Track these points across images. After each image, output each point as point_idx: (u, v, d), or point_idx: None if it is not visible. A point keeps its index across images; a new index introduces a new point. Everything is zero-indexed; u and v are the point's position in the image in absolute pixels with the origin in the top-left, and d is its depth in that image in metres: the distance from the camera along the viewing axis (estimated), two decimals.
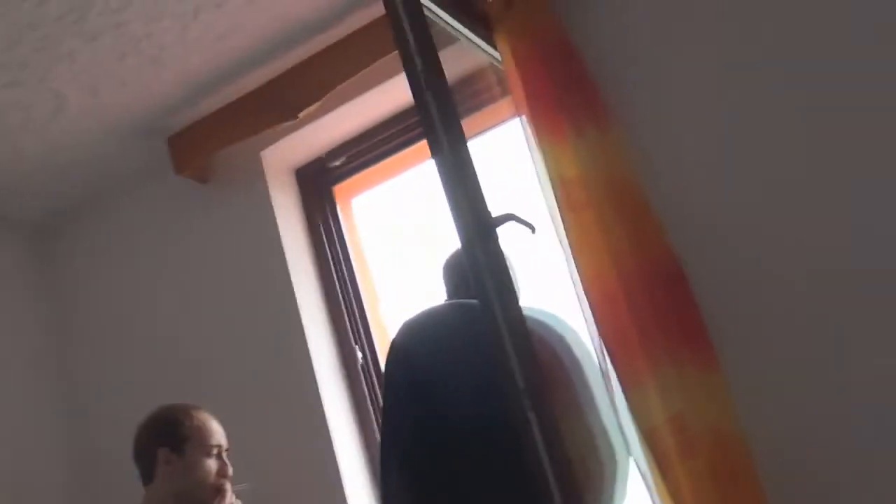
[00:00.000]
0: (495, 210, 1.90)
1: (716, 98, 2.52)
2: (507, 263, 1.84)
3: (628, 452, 2.23)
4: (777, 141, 2.43)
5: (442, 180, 1.88)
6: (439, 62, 1.95)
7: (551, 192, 2.39)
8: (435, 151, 1.89)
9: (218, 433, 2.64)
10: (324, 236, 3.33)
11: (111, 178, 3.50)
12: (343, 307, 3.24)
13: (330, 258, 3.30)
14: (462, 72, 2.80)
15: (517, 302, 1.82)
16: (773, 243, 2.40)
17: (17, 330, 3.48)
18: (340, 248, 3.33)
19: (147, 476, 2.60)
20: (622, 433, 2.24)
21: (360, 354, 3.16)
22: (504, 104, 2.66)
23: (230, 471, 2.61)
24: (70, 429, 3.47)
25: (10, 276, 3.56)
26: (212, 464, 2.58)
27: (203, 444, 2.59)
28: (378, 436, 2.96)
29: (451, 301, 2.35)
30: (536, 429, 1.67)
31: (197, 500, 2.57)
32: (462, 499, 1.96)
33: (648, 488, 2.19)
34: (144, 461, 2.60)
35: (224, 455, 2.63)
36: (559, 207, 2.36)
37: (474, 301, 2.18)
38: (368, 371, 3.16)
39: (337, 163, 3.35)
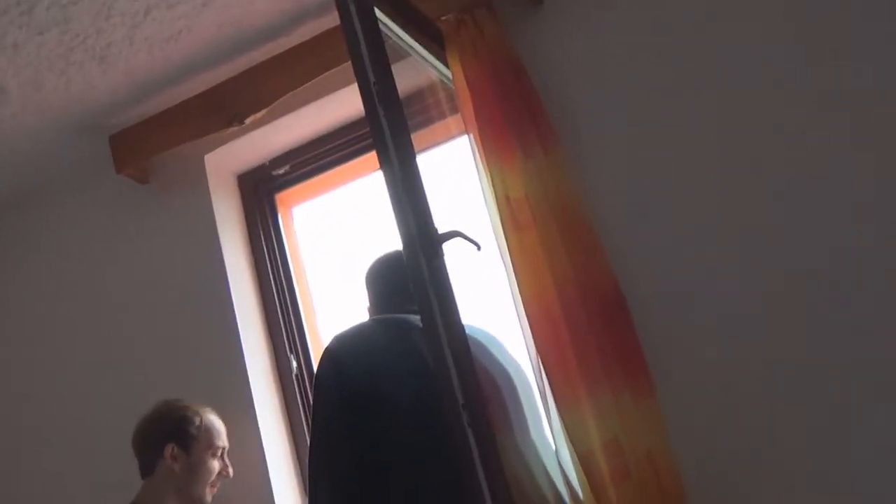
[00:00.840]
0: (441, 226, 1.92)
1: (657, 121, 2.57)
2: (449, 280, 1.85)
3: (561, 475, 2.24)
4: (720, 167, 2.48)
5: (389, 193, 1.89)
6: (392, 76, 1.97)
7: (496, 210, 2.40)
8: (384, 164, 1.90)
9: (223, 435, 2.76)
10: (264, 244, 3.31)
11: (51, 172, 3.45)
12: (280, 315, 3.21)
13: (269, 266, 3.28)
14: (412, 87, 2.81)
15: (459, 317, 1.82)
16: (710, 271, 2.44)
17: None
18: (280, 256, 3.31)
19: (147, 468, 2.69)
20: (556, 455, 2.25)
21: (294, 363, 3.15)
22: (452, 121, 2.67)
23: (231, 472, 2.74)
24: None
25: None
26: (215, 464, 2.71)
27: (210, 444, 2.71)
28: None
29: (376, 317, 2.35)
30: (474, 444, 1.68)
31: (196, 496, 2.68)
32: None
33: None
34: (148, 454, 2.69)
35: (225, 456, 2.75)
36: (503, 226, 2.37)
37: (398, 316, 2.20)
38: (302, 380, 3.14)
39: (281, 171, 3.33)
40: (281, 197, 3.40)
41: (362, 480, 1.97)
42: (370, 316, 2.43)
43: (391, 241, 2.45)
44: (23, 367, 3.42)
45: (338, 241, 3.40)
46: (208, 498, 2.69)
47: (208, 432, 2.72)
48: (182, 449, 2.66)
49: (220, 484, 2.73)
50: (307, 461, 2.11)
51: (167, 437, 2.67)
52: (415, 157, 1.92)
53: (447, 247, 1.88)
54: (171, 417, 2.70)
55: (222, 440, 2.75)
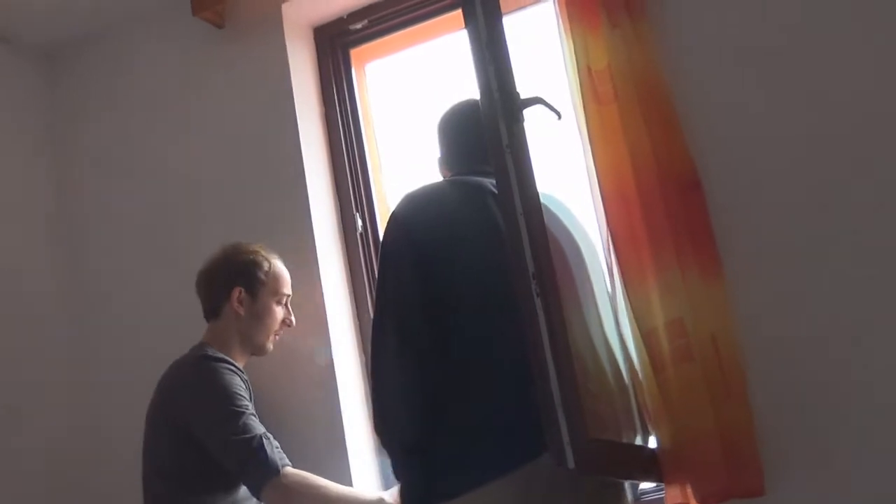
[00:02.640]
0: (523, 91, 1.87)
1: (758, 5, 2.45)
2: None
3: (622, 351, 2.23)
4: (819, 55, 2.38)
5: (473, 52, 1.85)
6: None
7: (576, 81, 2.35)
8: (469, 21, 1.85)
9: (288, 282, 2.74)
10: (336, 98, 3.27)
11: (127, 9, 3.41)
12: (348, 172, 3.19)
13: (339, 121, 3.24)
14: None
15: (535, 187, 1.80)
16: (791, 164, 2.38)
17: (15, 151, 3.44)
18: (351, 112, 3.27)
19: (213, 310, 2.69)
20: (618, 331, 2.24)
21: (359, 222, 3.14)
22: None
23: (293, 320, 2.73)
24: (64, 254, 3.46)
25: (15, 97, 3.50)
26: (280, 311, 2.70)
27: (277, 291, 2.70)
28: (371, 305, 2.97)
29: (449, 179, 2.32)
30: (542, 315, 1.67)
31: (258, 343, 2.68)
32: (455, 374, 1.96)
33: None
34: (215, 296, 2.68)
35: (289, 304, 2.73)
36: (583, 98, 2.32)
37: (471, 178, 2.17)
38: (367, 239, 3.14)
39: (358, 25, 3.26)
40: (356, 52, 3.34)
41: (430, 336, 1.97)
42: (439, 167, 2.41)
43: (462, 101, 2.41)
44: (90, 203, 3.46)
45: (411, 100, 3.36)
46: (270, 346, 2.69)
47: (276, 278, 2.70)
48: (249, 293, 2.65)
49: (281, 333, 2.73)
50: (373, 318, 2.12)
51: (235, 279, 2.65)
52: (501, 18, 1.87)
53: (527, 113, 1.84)
54: (241, 260, 2.68)
55: (288, 288, 2.73)
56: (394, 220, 2.13)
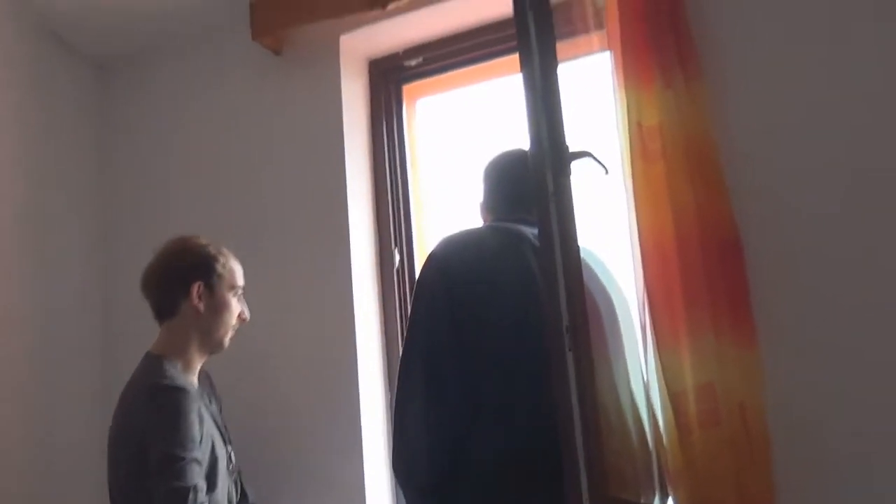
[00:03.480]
0: (571, 142, 1.87)
1: (814, 72, 2.43)
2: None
3: (649, 412, 2.21)
4: (870, 130, 2.35)
5: (526, 100, 1.85)
6: None
7: (626, 136, 2.34)
8: (526, 69, 1.85)
9: (242, 274, 2.64)
10: (384, 132, 3.30)
11: (188, 28, 3.47)
12: (390, 206, 3.22)
13: (386, 155, 3.28)
14: None
15: (577, 240, 1.79)
16: (834, 236, 2.35)
17: (69, 158, 3.50)
18: (399, 147, 3.30)
19: (169, 309, 2.56)
20: (646, 391, 2.23)
21: (397, 257, 3.15)
22: (596, 36, 2.58)
23: (248, 315, 2.63)
24: (103, 265, 3.52)
25: (71, 106, 3.56)
26: (236, 305, 2.60)
27: (233, 284, 2.60)
28: (402, 341, 2.96)
29: (490, 224, 2.32)
30: (572, 368, 1.66)
31: (218, 339, 2.58)
32: (479, 419, 1.96)
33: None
34: (171, 293, 2.55)
35: (242, 296, 2.63)
36: (631, 153, 2.31)
37: (512, 226, 2.17)
38: (403, 276, 3.16)
39: (413, 62, 3.29)
40: (408, 88, 3.38)
41: (456, 379, 1.96)
42: (481, 211, 2.41)
43: (510, 148, 2.42)
44: (134, 212, 3.51)
45: (459, 140, 3.37)
46: (227, 342, 2.60)
47: (231, 271, 2.60)
48: (207, 288, 2.55)
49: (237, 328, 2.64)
50: (401, 356, 2.12)
51: (193, 274, 2.55)
52: (557, 68, 1.87)
53: (575, 165, 1.84)
54: (197, 254, 2.58)
55: (242, 279, 2.63)
56: (431, 260, 2.14)
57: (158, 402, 2.37)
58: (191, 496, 2.26)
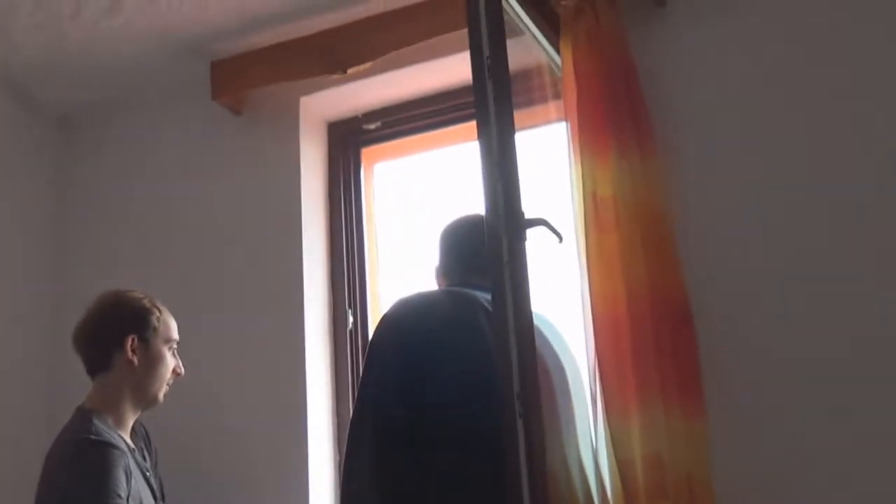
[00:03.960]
0: (526, 210, 1.89)
1: (765, 148, 2.50)
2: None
3: (597, 479, 2.22)
4: (820, 200, 2.42)
5: (483, 167, 1.86)
6: (506, 53, 1.93)
7: (581, 205, 2.37)
8: (483, 137, 1.87)
9: (176, 328, 2.60)
10: (342, 194, 3.32)
11: (148, 85, 3.48)
12: (345, 268, 3.23)
13: (343, 216, 3.29)
14: (520, 65, 2.77)
15: (530, 307, 1.80)
16: (787, 305, 2.39)
17: (24, 208, 3.49)
18: (355, 209, 3.31)
19: (101, 364, 2.51)
20: (595, 458, 2.23)
21: (350, 319, 3.15)
22: (553, 106, 2.63)
23: (182, 369, 2.59)
24: (52, 325, 3.46)
25: (29, 158, 3.55)
26: (171, 359, 2.56)
27: (168, 338, 2.56)
28: (353, 402, 2.95)
29: (444, 288, 2.33)
30: (522, 435, 1.66)
31: (152, 394, 2.54)
32: (428, 485, 1.94)
33: None
34: (105, 347, 2.50)
35: (176, 351, 2.60)
36: (585, 223, 2.34)
37: (466, 291, 2.18)
38: (356, 337, 3.15)
39: (372, 126, 3.32)
40: (367, 151, 3.40)
41: (405, 444, 1.95)
42: (436, 275, 2.42)
43: (467, 214, 2.44)
44: (89, 268, 3.48)
45: (414, 205, 3.39)
46: (162, 396, 2.56)
47: (166, 325, 2.56)
48: (142, 341, 2.50)
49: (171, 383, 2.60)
50: (351, 418, 2.10)
51: (128, 327, 2.50)
52: (514, 136, 1.89)
53: (530, 232, 1.86)
54: (131, 307, 2.54)
55: (176, 333, 2.59)
56: (385, 322, 2.13)
57: (83, 457, 2.33)
58: None
